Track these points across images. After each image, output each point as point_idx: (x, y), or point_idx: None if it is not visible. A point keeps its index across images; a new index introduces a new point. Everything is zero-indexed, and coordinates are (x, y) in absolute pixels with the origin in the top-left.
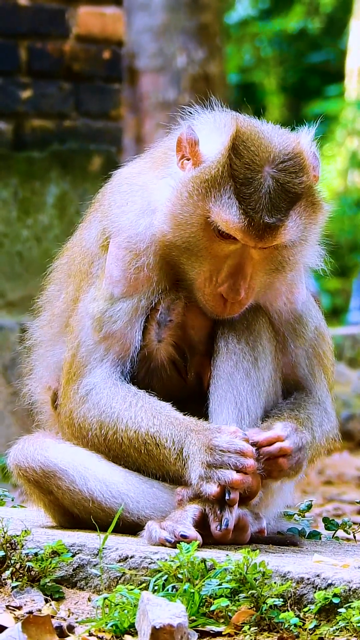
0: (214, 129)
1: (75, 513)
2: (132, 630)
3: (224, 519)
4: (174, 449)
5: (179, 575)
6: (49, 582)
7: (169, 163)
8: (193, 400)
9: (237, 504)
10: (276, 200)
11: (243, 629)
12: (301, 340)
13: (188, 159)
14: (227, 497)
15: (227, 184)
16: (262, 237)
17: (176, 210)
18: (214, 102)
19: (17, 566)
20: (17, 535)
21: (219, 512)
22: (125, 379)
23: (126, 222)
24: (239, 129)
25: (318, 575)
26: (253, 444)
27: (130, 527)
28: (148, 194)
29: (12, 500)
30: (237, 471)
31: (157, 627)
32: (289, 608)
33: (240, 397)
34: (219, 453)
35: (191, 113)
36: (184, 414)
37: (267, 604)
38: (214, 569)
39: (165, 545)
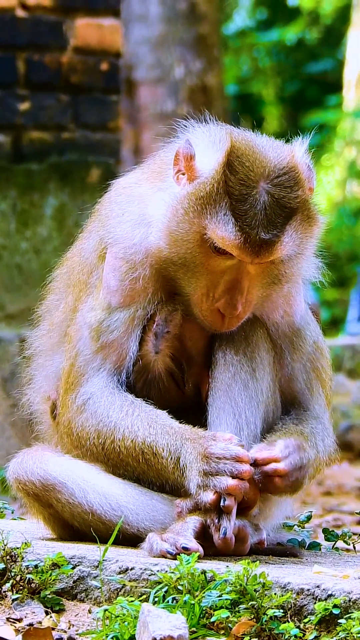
0: (209, 144)
1: (75, 526)
2: None
3: (222, 528)
4: (171, 458)
5: (179, 587)
6: (49, 594)
7: (165, 176)
8: (191, 411)
9: (234, 512)
10: (272, 215)
11: None
12: (299, 354)
13: (183, 174)
14: (222, 504)
15: (223, 201)
16: (259, 253)
17: (172, 226)
18: (209, 115)
19: (18, 578)
20: (17, 548)
21: (216, 521)
22: (122, 388)
23: (122, 232)
24: (234, 144)
25: (318, 586)
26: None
27: (130, 539)
28: (144, 205)
29: (12, 512)
30: (233, 477)
31: (158, 638)
32: (289, 619)
33: (238, 408)
34: (214, 460)
35: (186, 126)
36: (182, 423)
37: (267, 615)
38: (214, 580)
39: (167, 557)
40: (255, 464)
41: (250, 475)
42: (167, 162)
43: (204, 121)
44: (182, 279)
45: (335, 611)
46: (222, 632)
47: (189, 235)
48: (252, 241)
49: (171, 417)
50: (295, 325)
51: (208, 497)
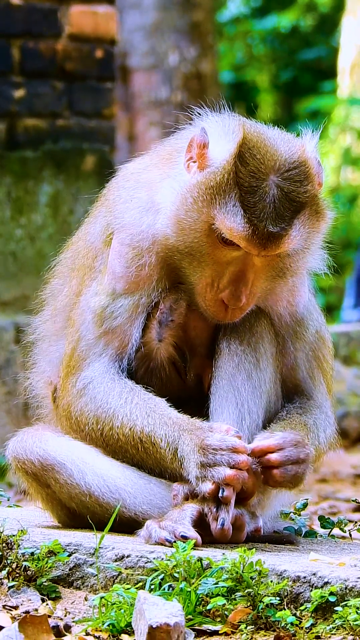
0: (222, 134)
1: (73, 507)
2: (128, 629)
3: (220, 519)
4: (169, 449)
5: (176, 575)
6: (45, 581)
7: (175, 163)
8: (193, 401)
9: (232, 502)
10: (280, 209)
11: (240, 628)
12: (301, 343)
13: (195, 162)
14: (220, 495)
15: (232, 192)
16: (266, 246)
17: (180, 215)
18: (222, 104)
19: (14, 566)
20: (14, 535)
21: (215, 511)
22: (123, 375)
23: (129, 218)
24: (246, 136)
25: (314, 574)
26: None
27: (127, 522)
28: (153, 192)
29: (8, 500)
30: (231, 468)
31: (154, 626)
32: (285, 607)
33: (241, 397)
34: (211, 452)
35: (200, 114)
36: (181, 412)
37: (263, 602)
38: (211, 568)
39: (165, 545)
40: (252, 454)
41: (248, 465)
42: (178, 149)
43: (216, 110)
44: (188, 268)
45: (332, 599)
46: (219, 619)
47: (196, 225)
48: (260, 233)
49: (170, 407)
50: (298, 315)
51: (206, 487)
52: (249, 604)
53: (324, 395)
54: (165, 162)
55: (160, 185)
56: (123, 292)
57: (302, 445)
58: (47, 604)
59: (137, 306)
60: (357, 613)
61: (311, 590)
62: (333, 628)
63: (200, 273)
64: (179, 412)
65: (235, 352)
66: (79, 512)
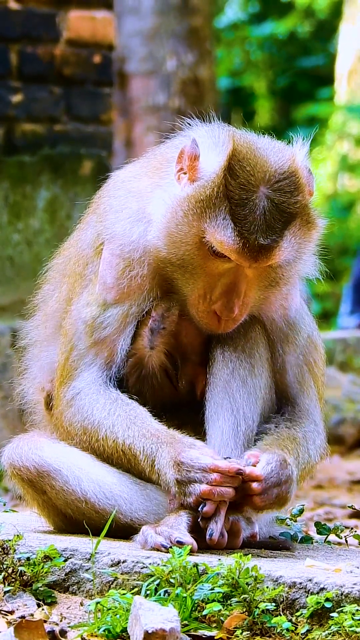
0: (212, 145)
1: (69, 514)
2: (124, 634)
3: (209, 529)
4: (147, 461)
5: (171, 580)
6: (41, 586)
7: (165, 173)
8: (186, 407)
9: (222, 512)
10: (271, 221)
11: (235, 634)
12: (293, 347)
13: (185, 173)
14: (200, 509)
15: (223, 205)
16: (257, 258)
17: (171, 228)
18: (212, 114)
19: (10, 571)
20: (10, 540)
21: (204, 521)
22: (111, 383)
23: (120, 229)
24: (236, 148)
25: (310, 580)
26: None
27: (123, 529)
28: (144, 202)
29: (4, 504)
30: (207, 484)
31: (150, 631)
32: (281, 612)
33: (236, 404)
34: (185, 469)
35: (190, 124)
36: (169, 420)
37: (259, 608)
38: (206, 573)
39: (161, 551)
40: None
41: (221, 482)
42: (168, 159)
43: (207, 119)
44: (180, 280)
45: (328, 605)
46: (214, 625)
47: (187, 238)
48: (251, 246)
49: (153, 417)
50: (290, 319)
51: (189, 500)
52: (244, 609)
53: (314, 401)
54: (156, 171)
55: (151, 196)
56: (113, 302)
57: (285, 466)
58: (42, 609)
59: (127, 316)
60: (352, 619)
61: (307, 596)
62: (329, 634)
63: (193, 285)
64: (170, 420)
65: (229, 359)
66: (75, 518)
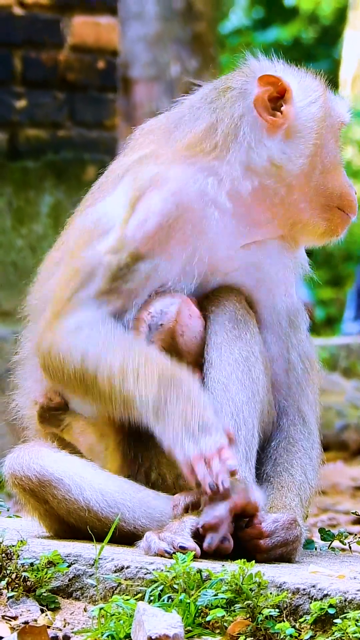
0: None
1: (71, 522)
2: None
3: (208, 537)
4: (153, 414)
5: (175, 586)
6: (44, 592)
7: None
8: None
9: (225, 524)
10: None
11: None
12: (298, 336)
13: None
14: (201, 525)
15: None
16: None
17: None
18: None
19: (13, 576)
20: (13, 546)
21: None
22: (119, 325)
23: (180, 174)
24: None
25: (314, 586)
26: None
27: (126, 536)
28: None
29: (8, 510)
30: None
31: (153, 637)
32: (284, 618)
33: (236, 408)
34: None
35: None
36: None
37: (262, 614)
38: (210, 579)
39: (165, 556)
40: (244, 534)
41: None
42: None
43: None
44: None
45: (331, 611)
46: (218, 631)
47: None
48: None
49: (168, 363)
50: (294, 306)
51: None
52: (248, 615)
53: (309, 406)
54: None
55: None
56: (147, 254)
57: (294, 526)
58: (46, 615)
59: (157, 271)
60: (356, 625)
61: (310, 602)
62: None
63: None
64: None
65: (227, 362)
66: (78, 527)
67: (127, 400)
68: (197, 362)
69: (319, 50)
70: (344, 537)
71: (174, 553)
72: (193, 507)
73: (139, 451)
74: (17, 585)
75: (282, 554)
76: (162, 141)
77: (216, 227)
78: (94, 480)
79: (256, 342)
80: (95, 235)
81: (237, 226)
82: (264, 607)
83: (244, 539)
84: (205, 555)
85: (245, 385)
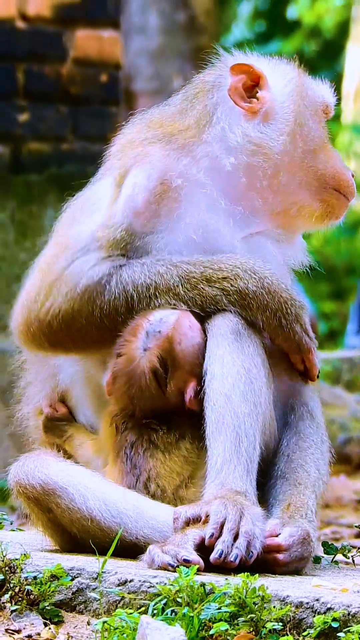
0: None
1: (74, 532)
2: None
3: (217, 549)
4: None
5: (178, 599)
6: (48, 605)
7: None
8: (173, 415)
9: (229, 536)
10: None
11: None
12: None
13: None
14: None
15: None
16: None
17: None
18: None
19: (16, 590)
20: (16, 559)
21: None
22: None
23: (162, 155)
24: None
25: (317, 600)
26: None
27: (129, 547)
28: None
29: (11, 523)
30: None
31: None
32: (288, 632)
33: (238, 419)
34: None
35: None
36: (168, 429)
37: (266, 628)
38: (213, 592)
39: (168, 570)
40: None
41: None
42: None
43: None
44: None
45: (335, 624)
46: None
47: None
48: None
49: None
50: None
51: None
52: (251, 629)
53: (316, 400)
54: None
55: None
56: (140, 231)
57: (307, 541)
58: (49, 628)
59: (152, 248)
60: (359, 639)
61: (314, 616)
62: None
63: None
64: (168, 431)
65: (229, 374)
66: (80, 537)
67: None
68: (194, 372)
69: (321, 64)
70: (347, 551)
71: (178, 566)
72: (194, 521)
73: (137, 463)
74: (20, 599)
75: (297, 568)
76: (141, 130)
77: (204, 204)
78: (98, 490)
79: (258, 354)
80: (86, 213)
81: (226, 205)
82: (268, 621)
83: (262, 551)
84: (209, 568)
85: (248, 397)
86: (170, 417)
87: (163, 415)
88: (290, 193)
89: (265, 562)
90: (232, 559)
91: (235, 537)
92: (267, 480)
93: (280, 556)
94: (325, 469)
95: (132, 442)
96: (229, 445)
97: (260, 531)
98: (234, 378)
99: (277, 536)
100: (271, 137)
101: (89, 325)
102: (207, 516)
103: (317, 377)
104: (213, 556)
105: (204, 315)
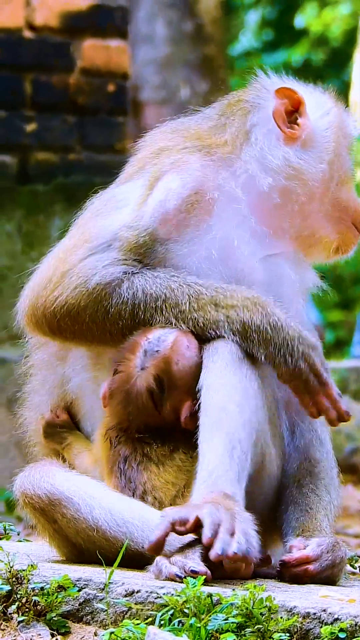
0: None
1: (79, 543)
2: None
3: (216, 546)
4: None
5: (185, 610)
6: (55, 616)
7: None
8: (167, 434)
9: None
10: None
11: None
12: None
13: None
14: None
15: None
16: None
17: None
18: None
19: (24, 600)
20: (24, 570)
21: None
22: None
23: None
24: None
25: (324, 610)
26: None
27: (135, 557)
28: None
29: (18, 534)
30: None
31: None
32: None
33: (232, 426)
34: None
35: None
36: (162, 442)
37: (273, 638)
38: (220, 603)
39: (176, 581)
40: (284, 564)
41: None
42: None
43: None
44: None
45: (342, 635)
46: None
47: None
48: None
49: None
50: (304, 326)
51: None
52: None
53: (324, 423)
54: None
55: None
56: (164, 237)
57: (338, 548)
58: (56, 639)
59: (172, 257)
60: None
61: (321, 627)
62: None
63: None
64: (162, 445)
65: (226, 385)
66: (86, 547)
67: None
68: (190, 392)
69: (328, 72)
70: (354, 561)
71: (185, 577)
72: (181, 524)
73: (132, 477)
74: (27, 610)
75: (329, 576)
76: (176, 138)
77: (235, 220)
78: (104, 499)
79: (255, 379)
80: (111, 208)
81: (255, 224)
82: (275, 632)
83: (290, 565)
84: (215, 577)
85: (244, 410)
86: (164, 431)
87: (157, 429)
88: (316, 220)
89: (297, 576)
90: (235, 551)
91: (232, 536)
92: (278, 506)
93: (311, 567)
94: (335, 494)
95: (125, 456)
96: (222, 450)
97: (254, 532)
98: (229, 390)
99: (304, 549)
100: (310, 164)
101: (91, 322)
102: (198, 519)
103: (343, 419)
104: (213, 552)
105: (203, 339)
